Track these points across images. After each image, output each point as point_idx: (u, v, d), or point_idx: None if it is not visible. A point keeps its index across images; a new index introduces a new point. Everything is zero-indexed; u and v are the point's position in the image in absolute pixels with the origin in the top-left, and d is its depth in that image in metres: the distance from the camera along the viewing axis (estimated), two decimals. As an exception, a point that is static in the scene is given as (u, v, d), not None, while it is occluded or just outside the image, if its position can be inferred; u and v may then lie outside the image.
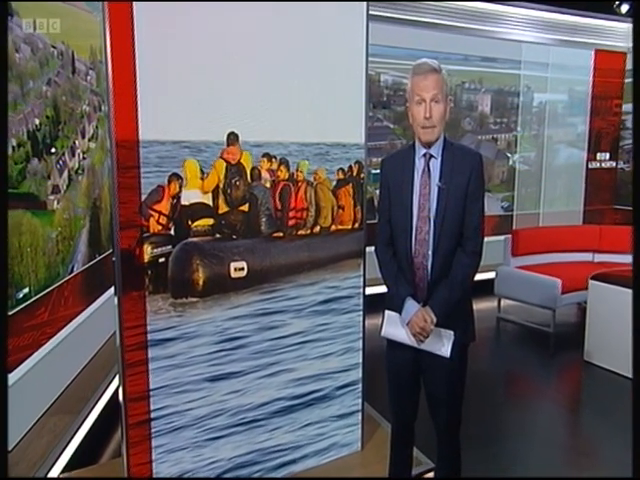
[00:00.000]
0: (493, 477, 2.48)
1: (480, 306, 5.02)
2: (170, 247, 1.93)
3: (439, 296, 1.78)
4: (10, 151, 2.26)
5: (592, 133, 6.45)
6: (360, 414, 2.44)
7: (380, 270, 1.92)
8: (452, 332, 1.76)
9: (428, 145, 1.79)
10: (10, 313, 2.21)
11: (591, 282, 3.88)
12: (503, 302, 4.97)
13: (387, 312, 1.88)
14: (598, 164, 6.53)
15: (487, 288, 4.79)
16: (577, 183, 6.49)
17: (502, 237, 4.97)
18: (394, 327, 1.86)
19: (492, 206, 5.95)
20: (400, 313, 1.82)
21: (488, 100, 5.92)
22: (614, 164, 6.63)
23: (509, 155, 6.15)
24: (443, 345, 1.78)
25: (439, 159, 1.79)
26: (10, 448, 2.18)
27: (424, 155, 1.80)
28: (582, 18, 6.06)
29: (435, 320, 1.75)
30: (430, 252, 1.78)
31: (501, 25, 5.64)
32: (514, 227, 5.97)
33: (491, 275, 4.87)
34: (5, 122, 2.20)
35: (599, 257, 5.11)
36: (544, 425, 3.02)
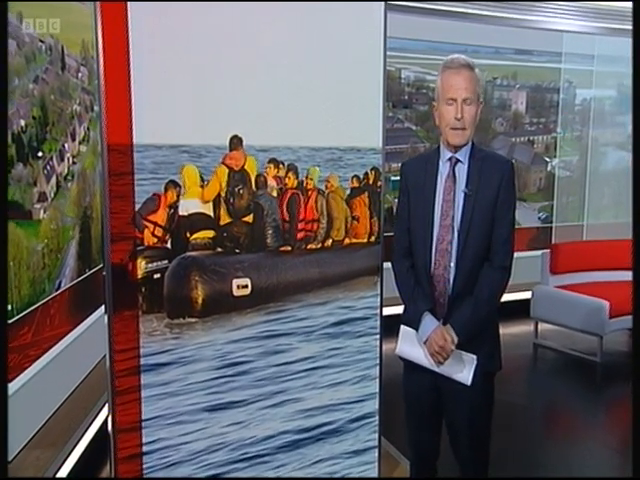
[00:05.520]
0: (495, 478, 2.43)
1: (514, 330, 4.99)
2: (166, 262, 1.96)
3: (462, 314, 1.79)
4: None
5: (645, 134, 6.41)
6: (377, 450, 2.44)
7: (396, 284, 1.95)
8: (474, 357, 1.77)
9: (455, 149, 1.82)
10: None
11: (643, 304, 3.85)
12: (541, 326, 4.93)
13: (403, 327, 1.91)
14: (652, 169, 6.48)
15: (522, 310, 4.76)
16: (628, 191, 6.43)
17: (539, 252, 4.95)
18: (410, 345, 1.88)
19: (527, 217, 5.94)
20: (417, 330, 1.84)
21: (523, 97, 5.94)
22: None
23: (547, 159, 6.15)
24: (464, 370, 1.78)
25: (466, 164, 1.83)
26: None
27: (449, 159, 1.84)
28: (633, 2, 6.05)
29: (456, 340, 1.77)
30: (452, 264, 1.81)
31: (538, 13, 5.64)
32: (553, 241, 5.94)
33: (527, 295, 4.84)
34: (5, 124, 2.28)
35: (653, 276, 5.05)
36: (590, 471, 2.95)
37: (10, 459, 2.41)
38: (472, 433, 1.86)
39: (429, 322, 1.81)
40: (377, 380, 2.42)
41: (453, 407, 1.86)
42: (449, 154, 1.85)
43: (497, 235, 1.81)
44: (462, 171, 1.83)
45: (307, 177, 2.19)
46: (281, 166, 2.13)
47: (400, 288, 1.94)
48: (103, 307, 1.91)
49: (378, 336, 2.40)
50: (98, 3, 1.75)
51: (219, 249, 2.05)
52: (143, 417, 1.97)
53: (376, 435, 2.43)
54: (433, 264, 1.83)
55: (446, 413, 1.90)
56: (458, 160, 1.84)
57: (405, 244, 1.93)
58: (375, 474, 2.45)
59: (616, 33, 6.03)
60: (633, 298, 1.90)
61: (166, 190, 1.93)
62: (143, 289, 1.93)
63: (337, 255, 2.29)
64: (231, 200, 2.05)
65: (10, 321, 2.44)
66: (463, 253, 1.79)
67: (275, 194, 2.14)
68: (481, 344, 1.81)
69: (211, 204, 2.02)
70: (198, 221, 2.00)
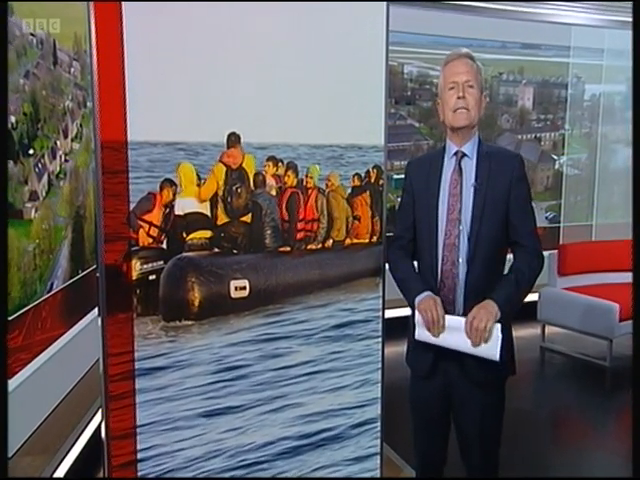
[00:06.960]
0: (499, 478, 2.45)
1: (521, 333, 4.98)
2: (162, 263, 1.97)
3: (504, 289, 1.78)
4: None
5: (656, 130, 6.41)
6: (379, 457, 2.44)
7: (390, 269, 2.00)
8: (498, 326, 1.72)
9: (460, 141, 1.84)
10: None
11: (653, 306, 3.85)
12: (548, 329, 4.94)
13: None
14: (664, 167, 6.48)
15: (529, 312, 4.75)
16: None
17: (546, 253, 4.93)
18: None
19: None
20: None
21: (530, 93, 5.94)
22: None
23: (555, 157, 6.15)
24: (488, 344, 1.71)
25: (474, 159, 1.84)
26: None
27: (455, 154, 1.86)
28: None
29: (498, 314, 1.71)
30: (461, 259, 1.81)
31: (546, 6, 5.65)
32: (561, 241, 5.95)
33: (534, 297, 4.84)
34: (5, 122, 2.28)
35: (664, 277, 5.06)
36: (599, 480, 2.96)
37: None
38: (483, 438, 1.86)
39: (423, 294, 1.82)
40: (379, 385, 2.42)
41: (464, 410, 1.87)
42: (455, 148, 1.86)
43: (522, 230, 1.83)
44: (469, 165, 1.85)
45: (307, 175, 2.19)
46: (280, 164, 2.13)
47: (395, 269, 1.98)
48: (96, 309, 1.91)
49: (380, 339, 2.41)
50: (92, 3, 1.76)
51: (216, 250, 2.05)
52: (138, 423, 1.97)
53: (378, 441, 2.44)
54: (440, 260, 1.84)
55: (456, 419, 1.90)
56: (464, 154, 1.85)
57: (402, 242, 1.97)
58: (377, 482, 2.46)
59: (626, 26, 6.01)
60: (633, 299, 1.90)
61: (162, 189, 1.94)
62: (138, 291, 1.93)
63: (338, 256, 2.29)
64: (229, 199, 2.05)
65: (0, 324, 2.45)
66: (476, 249, 1.80)
67: (274, 193, 2.14)
68: None
69: (208, 203, 2.02)
70: (195, 221, 2.00)
